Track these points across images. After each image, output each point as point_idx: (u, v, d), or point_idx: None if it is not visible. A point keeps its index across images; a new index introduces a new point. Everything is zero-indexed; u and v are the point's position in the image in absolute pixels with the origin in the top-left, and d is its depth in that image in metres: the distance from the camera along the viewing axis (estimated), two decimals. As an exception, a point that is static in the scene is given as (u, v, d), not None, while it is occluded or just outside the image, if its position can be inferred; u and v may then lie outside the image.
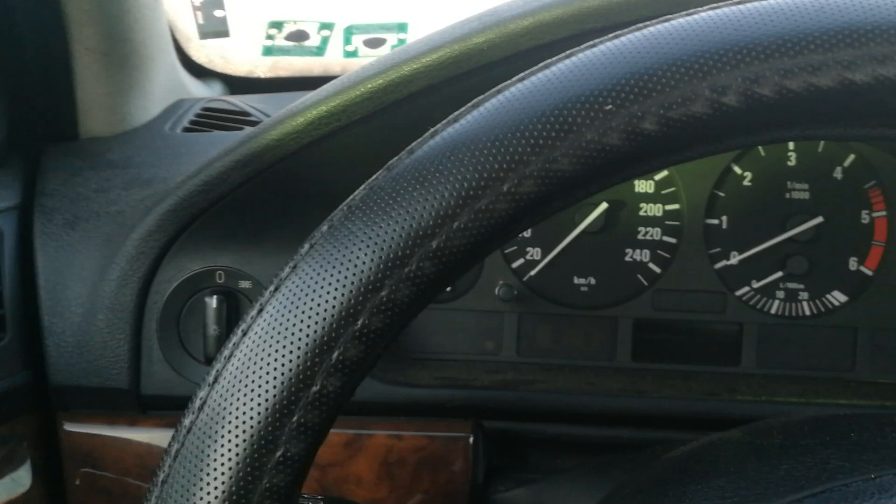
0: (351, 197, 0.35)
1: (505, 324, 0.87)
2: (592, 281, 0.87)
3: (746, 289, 0.86)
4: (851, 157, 0.85)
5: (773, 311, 0.86)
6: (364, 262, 0.33)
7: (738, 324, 0.86)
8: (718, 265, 0.86)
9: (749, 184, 0.86)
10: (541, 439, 0.80)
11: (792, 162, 0.85)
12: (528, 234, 0.87)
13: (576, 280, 0.87)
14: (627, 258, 0.87)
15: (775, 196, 0.85)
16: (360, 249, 0.33)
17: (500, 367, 0.85)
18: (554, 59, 0.36)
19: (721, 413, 0.78)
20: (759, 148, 0.85)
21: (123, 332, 0.73)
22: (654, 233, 0.86)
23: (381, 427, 0.76)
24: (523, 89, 0.35)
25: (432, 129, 0.36)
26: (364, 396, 0.77)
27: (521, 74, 0.36)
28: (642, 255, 0.87)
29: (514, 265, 0.87)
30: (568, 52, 0.36)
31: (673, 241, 0.86)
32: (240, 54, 1.26)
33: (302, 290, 0.34)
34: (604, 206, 0.85)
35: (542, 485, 0.72)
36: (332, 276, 0.33)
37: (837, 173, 0.85)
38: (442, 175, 0.34)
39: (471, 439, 0.75)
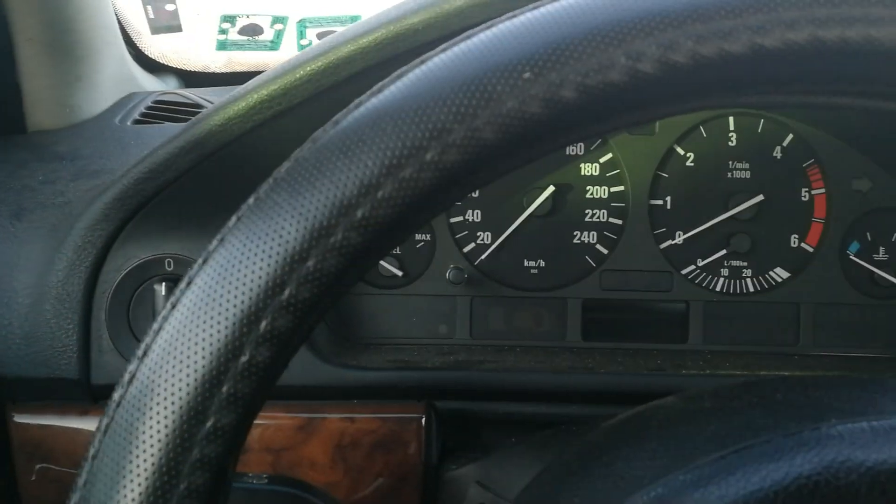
0: (277, 169, 0.36)
1: (458, 307, 0.88)
2: (542, 263, 0.88)
3: (692, 267, 0.88)
4: (790, 136, 0.87)
5: (718, 288, 0.88)
6: (289, 233, 0.33)
7: (684, 302, 0.88)
8: (664, 245, 0.88)
9: (692, 164, 0.87)
10: (493, 418, 0.82)
11: (733, 142, 0.87)
12: (478, 218, 0.88)
13: (526, 263, 0.88)
14: (575, 240, 0.88)
15: (717, 176, 0.87)
16: (285, 220, 0.34)
17: (452, 349, 0.86)
18: (475, 30, 0.37)
19: (667, 387, 0.80)
20: (701, 129, 0.87)
21: (72, 321, 0.73)
22: (601, 214, 0.88)
23: (334, 410, 0.77)
24: (445, 59, 0.36)
25: (357, 100, 0.36)
26: (317, 380, 0.78)
27: (444, 45, 0.37)
28: (589, 237, 0.88)
29: (466, 249, 0.88)
30: (489, 22, 0.37)
31: (619, 222, 0.88)
32: (194, 49, 1.25)
33: (229, 262, 0.34)
34: (551, 189, 0.86)
35: (490, 460, 0.73)
36: (258, 247, 0.33)
37: (777, 153, 0.87)
38: (365, 145, 0.34)
39: (423, 420, 0.76)
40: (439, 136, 0.34)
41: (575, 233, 0.88)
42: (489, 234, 0.88)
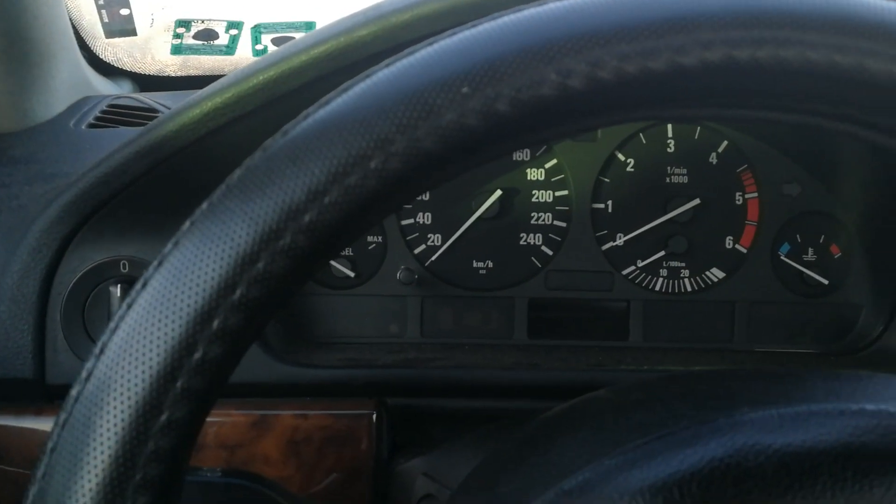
0: (229, 176, 0.38)
1: (408, 307, 0.91)
2: (490, 264, 0.92)
3: (632, 268, 0.92)
4: (725, 143, 0.92)
5: (657, 288, 0.92)
6: (240, 237, 0.35)
7: (625, 301, 0.92)
8: (605, 246, 0.92)
9: (632, 170, 0.91)
10: (442, 414, 0.84)
11: (671, 148, 0.92)
12: (428, 221, 0.91)
13: (474, 264, 0.92)
14: (522, 242, 0.92)
15: (656, 180, 0.91)
16: (236, 224, 0.36)
17: (403, 348, 0.89)
18: (417, 45, 0.39)
19: (608, 381, 0.82)
20: (641, 136, 0.91)
21: (27, 322, 0.74)
22: (546, 217, 0.91)
23: (287, 407, 0.79)
24: (389, 74, 0.38)
25: (305, 112, 0.39)
26: (271, 378, 0.80)
27: (388, 60, 0.39)
28: (535, 239, 0.92)
29: (416, 251, 0.91)
30: (430, 39, 0.39)
31: (563, 224, 0.91)
32: (149, 53, 1.26)
33: (183, 264, 0.36)
34: (498, 193, 0.90)
35: (436, 453, 0.76)
36: (210, 250, 0.35)
37: (713, 158, 0.92)
38: (313, 153, 0.36)
39: (374, 416, 0.79)
40: (382, 145, 0.36)
41: (521, 235, 0.92)
42: (439, 236, 0.91)
